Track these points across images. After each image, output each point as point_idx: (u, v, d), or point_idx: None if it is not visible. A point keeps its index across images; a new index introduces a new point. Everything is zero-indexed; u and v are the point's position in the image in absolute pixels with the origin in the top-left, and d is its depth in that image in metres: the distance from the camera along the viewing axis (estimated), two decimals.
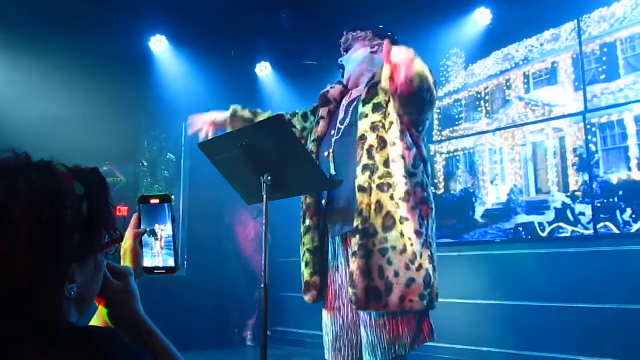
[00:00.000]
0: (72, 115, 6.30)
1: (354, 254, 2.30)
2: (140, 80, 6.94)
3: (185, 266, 7.20)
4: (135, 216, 1.33)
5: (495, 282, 5.34)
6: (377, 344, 2.28)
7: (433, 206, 2.43)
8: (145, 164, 7.75)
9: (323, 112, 2.65)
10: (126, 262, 1.28)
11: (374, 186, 2.32)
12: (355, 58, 2.69)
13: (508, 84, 5.81)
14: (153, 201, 1.32)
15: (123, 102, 6.90)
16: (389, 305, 2.25)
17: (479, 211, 5.85)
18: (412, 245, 2.29)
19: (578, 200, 5.07)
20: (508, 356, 5.05)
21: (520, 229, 5.46)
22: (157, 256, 1.31)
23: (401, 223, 2.30)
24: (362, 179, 2.34)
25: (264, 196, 2.25)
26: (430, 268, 2.32)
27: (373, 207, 2.31)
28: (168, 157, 7.61)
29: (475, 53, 6.07)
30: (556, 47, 5.44)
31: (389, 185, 2.32)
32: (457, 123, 6.18)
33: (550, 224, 5.24)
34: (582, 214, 5.02)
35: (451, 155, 6.20)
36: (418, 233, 2.31)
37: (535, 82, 5.59)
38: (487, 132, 5.88)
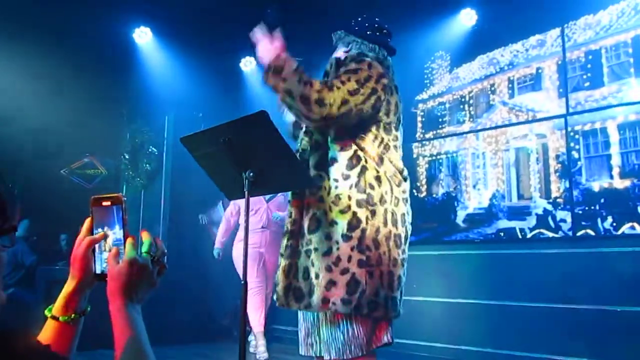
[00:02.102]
0: (52, 107, 6.24)
1: (281, 254, 2.40)
2: (123, 72, 6.88)
3: (165, 260, 7.15)
4: (87, 220, 1.26)
5: (475, 281, 5.36)
6: (331, 342, 2.28)
7: (376, 209, 2.29)
8: (127, 157, 7.70)
9: None
10: (75, 268, 1.23)
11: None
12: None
13: (492, 88, 5.81)
14: (105, 203, 1.24)
15: (105, 93, 6.84)
16: (312, 306, 2.27)
17: (461, 215, 5.86)
18: (337, 248, 2.25)
19: (559, 207, 5.10)
20: (487, 355, 5.06)
21: (502, 234, 5.48)
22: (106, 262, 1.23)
23: (330, 225, 2.28)
24: None
25: (245, 192, 2.23)
26: (360, 272, 2.23)
27: (303, 209, 2.37)
28: (150, 150, 7.55)
29: (460, 56, 6.07)
30: (541, 52, 5.45)
31: (318, 188, 2.33)
32: (440, 126, 6.18)
33: (531, 229, 5.26)
34: (563, 220, 5.04)
35: (434, 158, 6.20)
36: (345, 237, 2.26)
37: (520, 88, 5.60)
38: (469, 132, 5.89)
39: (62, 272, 5.74)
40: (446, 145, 6.11)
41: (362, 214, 2.27)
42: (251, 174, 2.22)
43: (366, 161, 2.33)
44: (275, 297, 2.40)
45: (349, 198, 2.28)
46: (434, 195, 6.13)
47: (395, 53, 2.64)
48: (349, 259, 2.23)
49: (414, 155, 6.29)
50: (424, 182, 6.24)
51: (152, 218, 7.38)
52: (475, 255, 5.49)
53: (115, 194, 1.25)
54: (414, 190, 6.14)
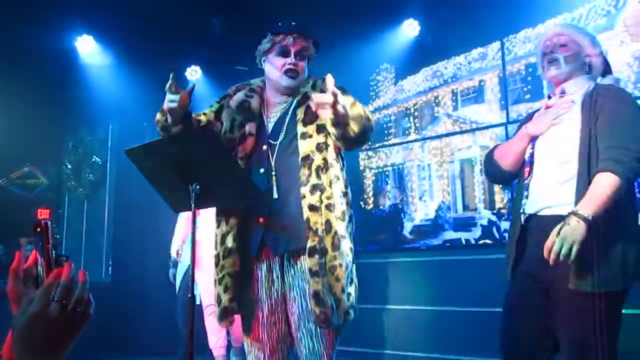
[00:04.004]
0: None
1: (315, 273, 2.32)
2: (65, 80, 6.73)
3: (110, 272, 7.02)
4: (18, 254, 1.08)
5: (419, 288, 5.43)
6: (318, 354, 2.38)
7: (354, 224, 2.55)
8: (69, 167, 7.54)
9: (250, 128, 2.54)
10: (12, 306, 1.03)
11: (322, 206, 2.37)
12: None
13: (437, 100, 5.90)
14: (38, 229, 1.05)
15: (47, 102, 6.69)
16: (338, 319, 2.34)
17: (408, 227, 5.92)
18: (350, 261, 2.41)
19: (503, 218, 5.21)
20: None
21: (448, 244, 5.56)
22: None
23: (342, 239, 2.39)
24: (312, 198, 2.36)
25: (192, 205, 2.22)
26: (356, 281, 2.48)
27: (324, 226, 2.36)
28: (93, 159, 7.41)
29: (405, 69, 6.13)
30: (483, 65, 5.57)
31: (334, 205, 2.39)
32: (386, 138, 6.23)
33: (476, 240, 5.36)
34: (507, 231, 5.15)
35: (380, 170, 6.25)
36: (351, 250, 2.44)
37: (463, 100, 5.69)
38: (413, 141, 5.97)
39: None
40: (392, 157, 6.17)
41: (352, 229, 2.50)
42: (197, 186, 2.20)
43: None
44: (320, 318, 2.30)
45: (347, 214, 2.46)
46: (381, 208, 6.18)
47: None
48: (352, 271, 2.45)
49: (361, 167, 6.34)
50: (370, 194, 6.28)
51: (96, 230, 7.23)
52: (420, 262, 5.57)
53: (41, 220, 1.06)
54: (361, 202, 6.19)
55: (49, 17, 5.73)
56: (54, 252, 1.03)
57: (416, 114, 6.04)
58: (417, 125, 6.02)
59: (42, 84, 6.41)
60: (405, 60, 6.08)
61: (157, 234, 6.81)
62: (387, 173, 6.19)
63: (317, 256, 2.32)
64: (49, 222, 1.05)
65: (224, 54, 6.45)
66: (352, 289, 2.42)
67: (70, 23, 6.07)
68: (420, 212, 5.85)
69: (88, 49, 6.44)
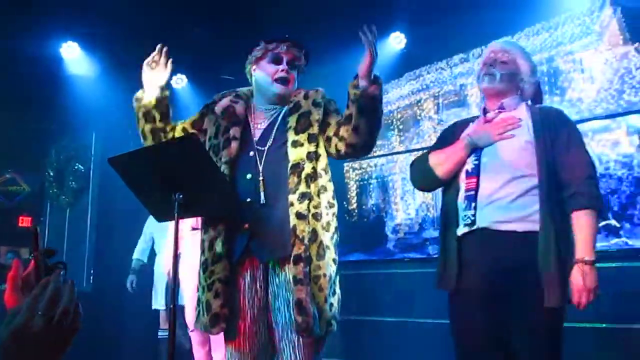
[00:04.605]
0: None
1: (299, 281, 2.31)
2: (49, 86, 6.68)
3: (91, 281, 6.97)
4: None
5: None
6: None
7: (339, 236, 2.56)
8: (52, 174, 7.48)
9: (235, 132, 2.53)
10: None
11: (309, 215, 2.37)
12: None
13: (419, 104, 5.97)
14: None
15: (30, 108, 6.65)
16: (320, 330, 2.33)
17: (389, 226, 5.98)
18: (333, 272, 2.42)
19: None
20: None
21: (427, 242, 5.61)
22: None
23: (327, 250, 2.40)
24: (301, 206, 2.36)
25: (175, 215, 2.22)
26: (340, 293, 2.48)
27: (310, 235, 2.36)
28: (76, 167, 7.35)
29: (389, 73, 6.18)
30: (464, 70, 5.65)
31: (320, 215, 2.41)
32: None
33: None
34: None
35: (363, 170, 6.31)
36: (335, 261, 2.44)
37: (446, 104, 5.77)
38: (399, 152, 6.03)
39: None
40: (375, 161, 6.23)
41: (337, 240, 2.48)
42: (180, 196, 2.21)
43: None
44: (304, 327, 2.29)
45: (334, 225, 2.47)
46: (364, 207, 6.25)
47: None
48: (335, 282, 2.45)
49: (345, 168, 6.39)
50: (354, 193, 6.34)
51: (78, 238, 7.19)
52: (405, 275, 5.62)
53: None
54: (344, 202, 6.23)
55: (34, 23, 5.71)
56: (46, 260, 0.98)
57: (400, 117, 6.10)
58: (400, 127, 6.07)
59: (26, 90, 6.37)
60: (390, 66, 6.11)
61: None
62: (370, 172, 6.26)
63: (302, 264, 2.31)
64: (38, 229, 1.02)
65: (210, 62, 6.46)
66: (334, 300, 2.42)
67: (56, 29, 6.05)
68: (402, 211, 5.91)
69: (73, 55, 6.41)
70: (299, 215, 2.35)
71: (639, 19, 4.59)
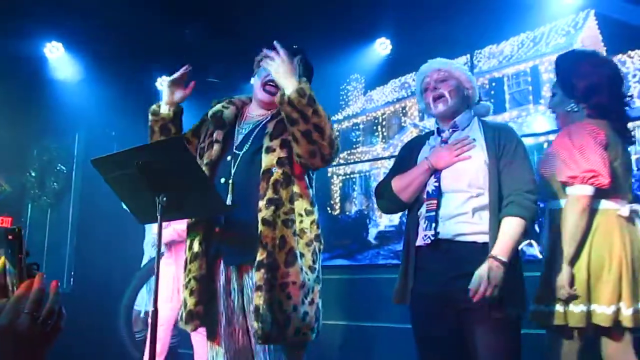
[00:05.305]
0: None
1: (258, 287, 2.29)
2: (32, 86, 6.63)
3: (72, 282, 6.90)
4: None
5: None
6: None
7: (322, 244, 2.52)
8: (33, 174, 7.40)
9: (217, 135, 2.57)
10: None
11: (278, 221, 2.35)
12: None
13: (404, 111, 6.00)
14: (9, 237, 0.99)
15: (12, 107, 6.58)
16: (286, 338, 2.30)
17: (372, 233, 5.98)
18: (310, 280, 2.38)
19: None
20: None
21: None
22: None
23: (300, 258, 2.37)
24: (266, 212, 2.34)
25: (158, 217, 2.21)
26: (320, 302, 2.44)
27: (277, 241, 2.33)
28: (58, 168, 7.29)
29: (375, 79, 6.23)
30: None
31: (292, 221, 2.39)
32: (354, 146, 6.32)
33: None
34: None
35: (347, 177, 6.33)
36: (311, 268, 2.41)
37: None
38: (383, 158, 6.05)
39: None
40: (359, 164, 6.25)
41: (318, 247, 2.46)
42: (164, 198, 2.19)
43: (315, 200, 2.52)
44: (258, 334, 2.28)
45: (311, 232, 2.43)
46: (347, 213, 6.25)
47: None
48: (313, 290, 2.40)
49: (329, 174, 6.39)
50: (337, 200, 6.34)
51: (59, 239, 7.11)
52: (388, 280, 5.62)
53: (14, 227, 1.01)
54: (328, 208, 6.24)
55: (17, 23, 5.66)
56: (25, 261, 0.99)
57: (384, 123, 6.14)
58: (385, 134, 6.11)
59: (8, 90, 6.30)
60: (375, 72, 6.19)
61: (122, 245, 6.72)
62: (354, 179, 6.32)
63: (263, 270, 2.29)
64: (22, 230, 1.01)
65: (197, 64, 6.42)
66: (310, 309, 2.37)
67: (40, 29, 6.00)
68: (385, 218, 5.92)
69: (57, 55, 6.36)
70: (264, 222, 2.34)
71: (622, 30, 4.65)
